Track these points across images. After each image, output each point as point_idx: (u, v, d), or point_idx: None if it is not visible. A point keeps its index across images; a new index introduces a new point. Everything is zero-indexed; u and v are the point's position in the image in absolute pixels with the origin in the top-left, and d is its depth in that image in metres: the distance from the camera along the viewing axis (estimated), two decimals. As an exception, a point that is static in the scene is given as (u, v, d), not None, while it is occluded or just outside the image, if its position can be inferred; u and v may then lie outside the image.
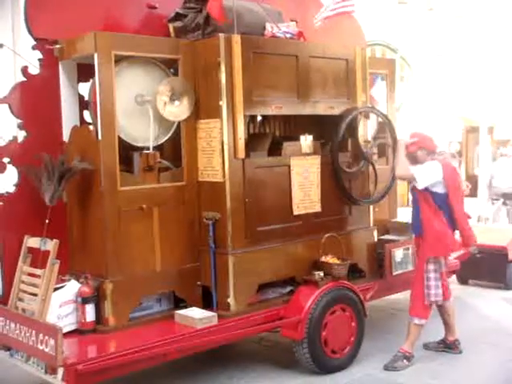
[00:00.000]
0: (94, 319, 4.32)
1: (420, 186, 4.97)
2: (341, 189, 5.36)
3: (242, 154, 4.67)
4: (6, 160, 4.51)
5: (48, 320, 4.08)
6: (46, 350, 3.77)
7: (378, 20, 13.23)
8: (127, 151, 4.62)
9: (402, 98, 11.15)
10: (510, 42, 16.33)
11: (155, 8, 5.12)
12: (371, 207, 5.65)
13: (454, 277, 7.28)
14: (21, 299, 4.31)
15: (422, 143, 5.13)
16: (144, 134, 4.62)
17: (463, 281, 7.71)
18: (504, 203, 10.32)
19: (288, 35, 5.15)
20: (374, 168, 5.59)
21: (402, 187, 6.14)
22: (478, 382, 4.84)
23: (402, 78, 13.87)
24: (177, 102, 4.64)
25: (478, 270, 7.46)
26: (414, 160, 5.10)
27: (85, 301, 4.29)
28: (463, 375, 4.92)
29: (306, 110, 5.16)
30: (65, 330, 3.97)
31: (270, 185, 4.90)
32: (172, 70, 4.84)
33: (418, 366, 5.06)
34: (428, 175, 4.99)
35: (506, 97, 16.07)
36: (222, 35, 4.59)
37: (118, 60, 4.45)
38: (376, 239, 5.72)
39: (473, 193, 12.78)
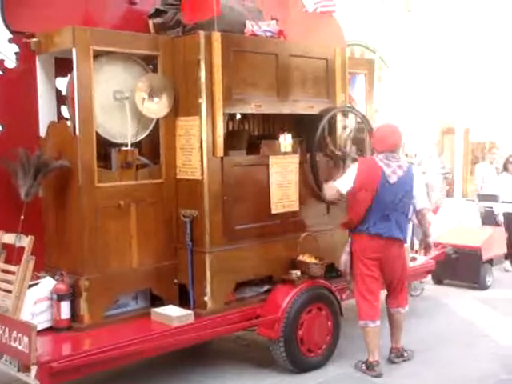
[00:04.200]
0: (69, 317, 4.28)
1: (343, 191, 4.93)
2: (319, 188, 5.37)
3: (220, 152, 4.66)
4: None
5: (22, 317, 4.03)
6: (20, 347, 3.73)
7: (357, 20, 13.29)
8: (105, 147, 4.58)
9: (381, 99, 11.21)
10: (486, 44, 16.53)
11: (135, 4, 5.08)
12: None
13: (429, 277, 7.36)
14: (-6, 296, 4.25)
15: (373, 142, 5.12)
16: (122, 130, 4.59)
17: (438, 281, 7.80)
18: None
19: (268, 34, 5.15)
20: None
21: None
22: (451, 381, 4.87)
23: (381, 78, 13.95)
24: (156, 99, 4.61)
25: (452, 270, 7.56)
26: None
27: (60, 298, 4.24)
28: (436, 374, 4.96)
29: (286, 108, 5.16)
30: (39, 328, 3.92)
31: (248, 183, 4.89)
32: (151, 67, 4.81)
33: (393, 366, 5.09)
34: (345, 181, 4.94)
35: (482, 99, 16.27)
36: (202, 33, 4.57)
37: (97, 55, 4.40)
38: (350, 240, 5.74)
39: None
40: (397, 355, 5.15)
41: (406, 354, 5.18)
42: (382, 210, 4.82)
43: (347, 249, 5.04)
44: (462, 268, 7.51)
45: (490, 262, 7.72)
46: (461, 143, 17.23)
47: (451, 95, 16.42)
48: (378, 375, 4.87)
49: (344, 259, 5.07)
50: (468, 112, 16.64)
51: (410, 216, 5.14)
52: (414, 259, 6.61)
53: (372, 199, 4.80)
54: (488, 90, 16.35)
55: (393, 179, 4.82)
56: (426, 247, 5.35)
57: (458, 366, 5.15)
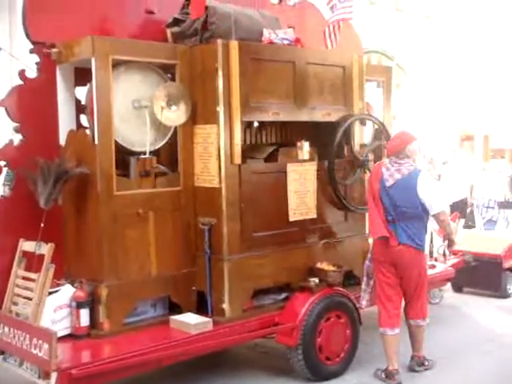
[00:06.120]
0: (88, 324, 4.31)
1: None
2: (336, 195, 5.37)
3: (238, 159, 4.67)
4: (1, 163, 4.50)
5: (42, 324, 4.06)
6: (40, 354, 3.76)
7: (375, 27, 13.27)
8: (124, 156, 4.62)
9: (399, 106, 11.17)
10: (505, 50, 16.41)
11: (153, 13, 5.13)
12: (367, 214, 5.64)
13: (448, 285, 7.30)
14: (15, 303, 4.30)
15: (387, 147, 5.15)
16: (141, 138, 4.62)
17: (458, 289, 7.71)
18: None
19: (285, 41, 5.16)
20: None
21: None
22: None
23: (399, 85, 13.90)
24: (174, 107, 4.65)
25: (472, 278, 7.46)
26: None
27: (79, 305, 4.28)
28: (457, 383, 4.91)
29: (303, 116, 5.17)
30: (59, 335, 3.94)
31: (266, 191, 4.90)
32: (169, 75, 4.84)
33: (413, 375, 5.05)
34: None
35: (502, 105, 16.14)
36: (219, 41, 4.60)
37: (116, 64, 4.45)
38: (371, 246, 5.71)
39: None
40: (418, 363, 5.10)
41: (426, 363, 5.14)
42: (386, 215, 4.81)
43: (369, 255, 5.03)
44: (482, 276, 7.41)
45: (511, 270, 7.62)
46: (480, 150, 17.11)
47: (470, 102, 16.31)
48: None
49: (365, 265, 5.05)
50: (487, 118, 16.51)
51: (426, 222, 5.04)
52: (432, 267, 6.56)
53: (380, 203, 4.82)
54: (508, 96, 16.22)
55: (389, 182, 4.79)
56: (449, 243, 5.36)
57: (478, 374, 5.09)
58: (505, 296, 7.47)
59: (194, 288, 4.78)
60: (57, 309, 4.28)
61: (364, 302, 5.09)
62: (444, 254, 7.18)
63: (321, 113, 5.28)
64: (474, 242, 7.87)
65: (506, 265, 7.47)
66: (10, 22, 9.73)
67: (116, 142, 4.44)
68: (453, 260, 7.08)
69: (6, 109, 4.50)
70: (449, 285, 7.35)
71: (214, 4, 4.95)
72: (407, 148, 4.89)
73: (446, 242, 5.41)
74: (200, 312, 4.68)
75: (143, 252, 4.53)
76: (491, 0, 16.48)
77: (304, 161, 5.16)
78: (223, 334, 4.53)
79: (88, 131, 4.68)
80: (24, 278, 4.30)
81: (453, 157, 14.05)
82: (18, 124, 4.58)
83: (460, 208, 9.68)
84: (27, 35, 4.55)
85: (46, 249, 4.19)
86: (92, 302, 4.33)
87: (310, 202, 5.17)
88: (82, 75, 4.68)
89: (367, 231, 5.59)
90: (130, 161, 4.63)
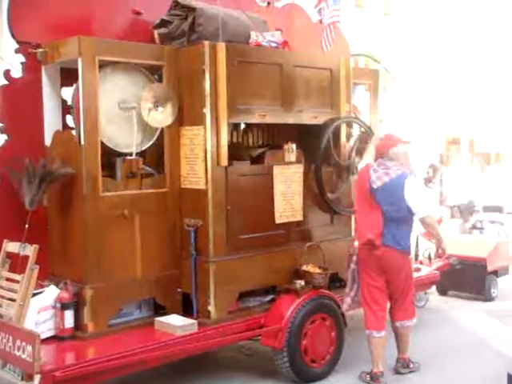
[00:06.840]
0: (72, 325, 4.29)
1: None
2: (323, 198, 5.38)
3: (224, 161, 4.67)
4: (-14, 163, 4.47)
5: (26, 326, 4.02)
6: (23, 356, 3.72)
7: (362, 31, 13.34)
8: (110, 157, 4.60)
9: (386, 109, 11.22)
10: (492, 55, 16.54)
11: (140, 14, 5.11)
12: (353, 217, 5.66)
13: (433, 287, 7.34)
14: (-2, 305, 4.26)
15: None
16: (127, 139, 4.60)
17: (443, 292, 7.75)
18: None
19: (273, 44, 5.17)
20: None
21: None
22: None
23: (386, 88, 13.96)
24: (160, 109, 4.64)
25: (457, 281, 7.51)
26: None
27: (64, 307, 4.25)
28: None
29: (290, 118, 5.17)
30: (43, 336, 3.92)
31: (252, 193, 4.90)
32: (156, 77, 4.83)
33: (398, 377, 5.07)
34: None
35: (488, 109, 16.26)
36: (206, 43, 4.60)
37: (102, 65, 4.43)
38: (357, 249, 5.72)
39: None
40: (403, 365, 5.12)
41: (412, 365, 5.15)
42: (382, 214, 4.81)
43: (355, 258, 5.03)
44: (466, 279, 7.47)
45: (495, 273, 7.68)
46: (466, 154, 17.24)
47: (456, 105, 16.41)
48: None
49: (350, 268, 5.04)
50: (473, 122, 16.62)
51: (411, 225, 5.06)
52: (418, 270, 6.58)
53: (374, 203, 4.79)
54: (493, 100, 16.35)
55: (376, 184, 4.78)
56: (441, 252, 5.25)
57: (462, 377, 5.11)
58: (489, 299, 7.53)
59: (179, 290, 4.77)
60: (41, 310, 4.25)
61: (345, 306, 5.09)
62: (429, 257, 7.22)
63: (308, 115, 5.29)
64: (459, 245, 7.92)
65: (491, 268, 7.53)
66: (-5, 22, 9.65)
67: (102, 142, 4.42)
68: (438, 263, 7.12)
69: (-10, 109, 4.47)
70: (434, 288, 7.39)
71: (202, 6, 4.95)
72: (391, 151, 4.89)
73: (438, 249, 5.33)
74: (185, 314, 4.68)
75: (129, 253, 4.52)
76: (478, 7, 16.64)
77: (291, 163, 5.16)
78: (208, 335, 4.52)
79: (74, 132, 4.66)
80: (8, 280, 4.26)
81: (439, 160, 14.11)
82: (2, 124, 4.55)
83: (466, 211, 9.78)
84: (12, 35, 4.52)
85: (30, 250, 4.15)
86: (76, 304, 4.31)
87: (297, 204, 5.18)
88: (68, 76, 4.66)
89: (353, 234, 5.61)
90: (116, 162, 4.62)
